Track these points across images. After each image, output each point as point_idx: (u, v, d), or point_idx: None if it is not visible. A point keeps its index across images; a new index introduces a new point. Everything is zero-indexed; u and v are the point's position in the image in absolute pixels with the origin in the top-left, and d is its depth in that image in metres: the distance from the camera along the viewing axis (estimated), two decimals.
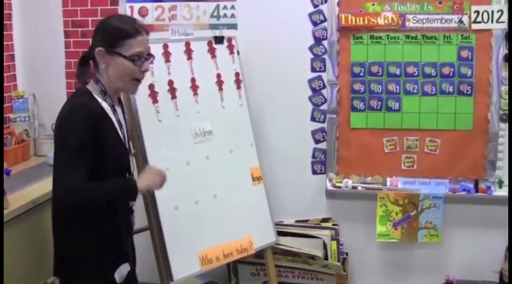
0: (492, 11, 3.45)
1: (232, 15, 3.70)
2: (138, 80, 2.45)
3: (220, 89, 3.38)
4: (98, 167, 2.29)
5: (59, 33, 3.90)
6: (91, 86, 2.41)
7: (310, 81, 3.69)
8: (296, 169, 3.79)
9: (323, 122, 3.71)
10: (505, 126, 3.54)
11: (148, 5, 3.75)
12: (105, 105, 2.39)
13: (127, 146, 2.53)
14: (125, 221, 2.53)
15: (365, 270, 3.85)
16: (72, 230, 2.39)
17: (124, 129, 2.50)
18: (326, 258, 3.58)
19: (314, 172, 3.79)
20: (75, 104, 2.33)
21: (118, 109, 2.50)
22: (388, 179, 3.67)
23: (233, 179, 3.34)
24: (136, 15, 3.74)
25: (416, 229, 3.62)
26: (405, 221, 3.61)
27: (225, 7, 3.70)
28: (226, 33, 3.47)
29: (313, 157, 3.77)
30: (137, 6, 3.76)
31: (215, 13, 3.71)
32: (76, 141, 2.21)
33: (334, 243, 3.62)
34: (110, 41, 2.36)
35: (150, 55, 2.47)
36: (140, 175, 2.49)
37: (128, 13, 3.75)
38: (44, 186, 3.14)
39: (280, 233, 3.58)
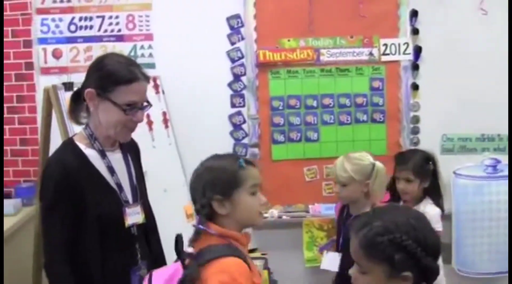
0: (399, 44, 3.68)
1: (150, 55, 3.69)
2: (130, 129, 2.24)
3: (150, 129, 3.41)
4: (82, 220, 2.15)
5: None
6: (79, 133, 2.27)
7: (231, 116, 3.76)
8: None
9: (245, 156, 3.79)
10: None
11: (62, 46, 3.68)
12: (89, 152, 2.21)
13: (124, 194, 2.29)
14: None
15: None
16: None
17: (117, 176, 2.26)
18: None
19: None
20: (49, 161, 2.24)
21: (113, 155, 2.29)
22: (310, 206, 3.79)
23: (168, 218, 3.35)
24: (49, 57, 3.66)
25: None
26: (330, 245, 3.74)
27: (142, 47, 3.69)
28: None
29: None
30: (50, 48, 3.67)
31: (132, 53, 3.68)
32: (49, 201, 2.15)
33: (265, 272, 3.71)
34: (102, 84, 2.13)
35: (146, 105, 2.22)
36: None
37: (41, 56, 3.66)
38: None
39: None
